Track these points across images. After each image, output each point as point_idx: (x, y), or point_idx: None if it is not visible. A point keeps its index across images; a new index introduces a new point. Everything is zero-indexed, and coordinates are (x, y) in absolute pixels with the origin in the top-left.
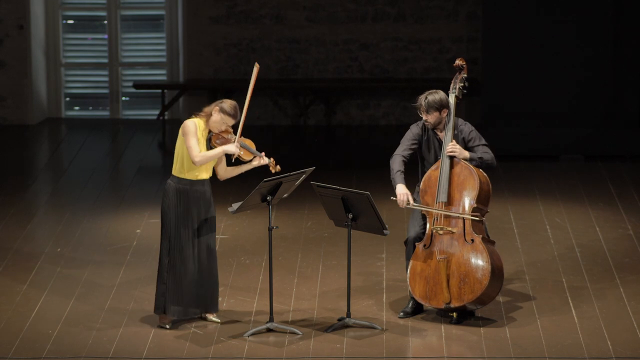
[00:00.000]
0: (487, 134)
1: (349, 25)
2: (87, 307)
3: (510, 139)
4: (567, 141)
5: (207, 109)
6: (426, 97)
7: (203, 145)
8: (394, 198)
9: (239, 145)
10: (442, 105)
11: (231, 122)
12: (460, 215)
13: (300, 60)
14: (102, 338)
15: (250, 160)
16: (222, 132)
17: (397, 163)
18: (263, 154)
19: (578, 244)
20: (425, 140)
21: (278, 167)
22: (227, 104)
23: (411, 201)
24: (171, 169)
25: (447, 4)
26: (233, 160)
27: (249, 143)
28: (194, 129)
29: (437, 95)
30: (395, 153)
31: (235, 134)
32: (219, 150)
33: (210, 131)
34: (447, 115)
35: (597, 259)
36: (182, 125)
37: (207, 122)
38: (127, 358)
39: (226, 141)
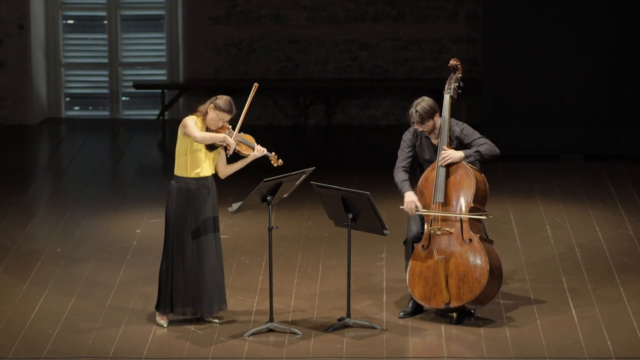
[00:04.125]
0: (487, 134)
1: (349, 25)
2: (87, 307)
3: (510, 139)
4: (567, 141)
5: (202, 108)
6: (416, 110)
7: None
8: (402, 207)
9: (236, 141)
10: (434, 112)
11: (227, 117)
12: (473, 216)
13: (300, 60)
14: (102, 338)
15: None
16: (220, 128)
17: (400, 174)
18: (260, 147)
19: (578, 244)
20: (419, 145)
21: (280, 161)
22: (222, 100)
23: (419, 207)
24: (171, 169)
25: (447, 4)
26: (228, 156)
27: (248, 138)
28: (192, 121)
29: (425, 103)
30: (395, 167)
31: (234, 130)
32: (221, 136)
33: (207, 128)
34: (442, 123)
35: (597, 259)
36: (182, 121)
37: (203, 120)
38: (127, 358)
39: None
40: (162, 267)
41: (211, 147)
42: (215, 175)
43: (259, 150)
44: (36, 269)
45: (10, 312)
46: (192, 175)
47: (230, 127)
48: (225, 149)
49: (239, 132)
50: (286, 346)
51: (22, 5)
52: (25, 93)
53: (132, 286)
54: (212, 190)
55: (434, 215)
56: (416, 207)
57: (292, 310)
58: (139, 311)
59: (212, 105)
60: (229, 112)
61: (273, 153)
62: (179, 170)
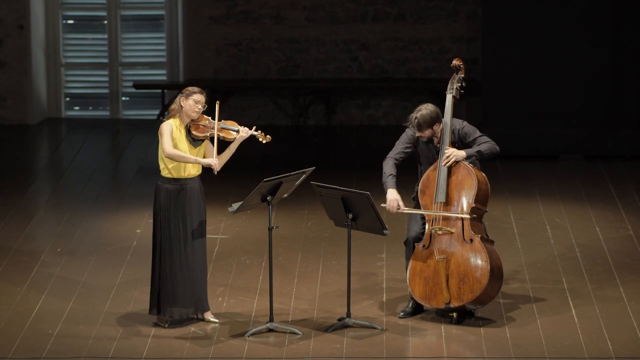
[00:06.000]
0: (487, 134)
1: (349, 25)
2: (87, 307)
3: (510, 139)
4: (567, 141)
5: (173, 106)
6: (416, 117)
7: (186, 143)
8: (384, 205)
9: (216, 163)
10: (432, 122)
11: (201, 97)
12: (456, 215)
13: (300, 60)
14: (102, 338)
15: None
16: (200, 120)
17: (389, 166)
18: (246, 128)
19: (578, 244)
20: (422, 143)
21: (268, 137)
22: (187, 89)
23: (401, 206)
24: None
25: (447, 4)
26: (216, 141)
27: (230, 123)
28: (168, 128)
29: (426, 111)
30: (388, 156)
31: (213, 119)
32: (193, 159)
33: (188, 124)
34: (444, 125)
35: (597, 259)
36: (160, 127)
37: (180, 116)
38: (127, 358)
39: (205, 129)
40: (153, 268)
41: (196, 142)
42: (208, 170)
43: (245, 132)
44: (36, 269)
45: (10, 312)
46: (178, 176)
47: (210, 118)
48: (212, 139)
49: (220, 120)
50: (286, 346)
51: (22, 5)
52: (25, 93)
53: (132, 286)
54: (199, 190)
55: (434, 215)
56: (398, 205)
57: (292, 310)
58: (139, 311)
59: (182, 97)
60: (199, 92)
61: (260, 131)
62: (165, 172)
